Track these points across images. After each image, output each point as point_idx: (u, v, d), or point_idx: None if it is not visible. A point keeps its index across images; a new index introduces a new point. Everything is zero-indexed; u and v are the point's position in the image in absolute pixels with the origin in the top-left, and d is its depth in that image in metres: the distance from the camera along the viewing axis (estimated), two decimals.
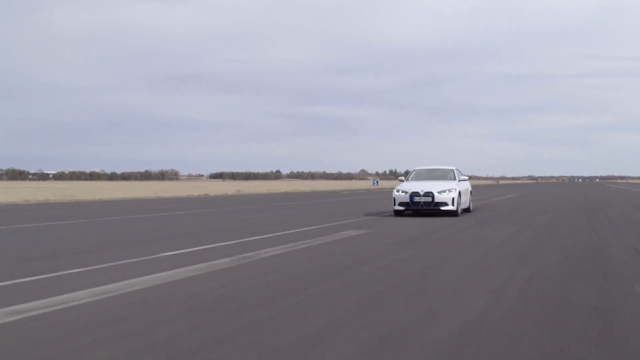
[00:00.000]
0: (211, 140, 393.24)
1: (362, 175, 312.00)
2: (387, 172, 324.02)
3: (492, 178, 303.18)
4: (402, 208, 19.02)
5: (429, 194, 18.64)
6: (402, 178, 21.39)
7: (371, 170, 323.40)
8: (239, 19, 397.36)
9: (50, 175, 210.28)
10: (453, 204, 18.59)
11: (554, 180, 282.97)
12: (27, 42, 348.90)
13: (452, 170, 20.93)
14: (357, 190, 62.23)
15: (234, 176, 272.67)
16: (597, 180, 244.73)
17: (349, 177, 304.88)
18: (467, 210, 20.85)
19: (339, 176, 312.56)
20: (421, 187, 19.04)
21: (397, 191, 19.25)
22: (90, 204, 30.42)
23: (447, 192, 18.75)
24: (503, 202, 31.17)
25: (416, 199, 18.70)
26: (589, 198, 35.67)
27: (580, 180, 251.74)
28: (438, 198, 18.58)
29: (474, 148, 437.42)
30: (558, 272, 7.83)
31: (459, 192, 19.18)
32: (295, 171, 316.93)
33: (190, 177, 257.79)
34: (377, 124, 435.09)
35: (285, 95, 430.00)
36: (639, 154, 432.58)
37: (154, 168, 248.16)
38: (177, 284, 7.00)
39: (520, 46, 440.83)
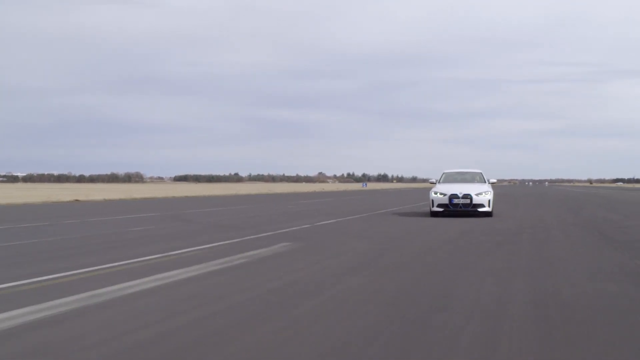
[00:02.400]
0: (169, 143, 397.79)
1: (322, 178, 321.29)
2: (345, 175, 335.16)
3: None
4: (440, 209, 19.58)
5: (467, 196, 19.28)
6: (434, 181, 21.87)
7: (329, 173, 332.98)
8: (199, 22, 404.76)
9: (20, 177, 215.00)
10: (489, 206, 19.42)
11: (505, 183, 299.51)
12: None
13: (480, 173, 21.91)
14: (364, 190, 74.62)
15: (197, 179, 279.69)
16: (547, 183, 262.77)
17: (307, 180, 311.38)
18: None
19: (298, 179, 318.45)
20: (459, 189, 19.62)
21: (435, 193, 19.84)
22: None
23: (484, 194, 19.50)
24: (501, 194, 54.09)
25: (455, 200, 19.26)
26: (541, 194, 54.93)
27: (530, 183, 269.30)
28: (476, 200, 19.28)
29: (429, 152, 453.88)
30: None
31: (492, 194, 20.16)
32: (253, 174, 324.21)
33: (152, 180, 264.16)
34: (334, 128, 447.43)
35: (244, 98, 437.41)
36: (586, 158, 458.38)
37: (115, 170, 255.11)
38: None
39: (475, 52, 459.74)
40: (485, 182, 21.03)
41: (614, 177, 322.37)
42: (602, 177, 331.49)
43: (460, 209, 19.30)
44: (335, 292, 6.35)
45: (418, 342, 4.29)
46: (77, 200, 34.80)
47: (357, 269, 7.98)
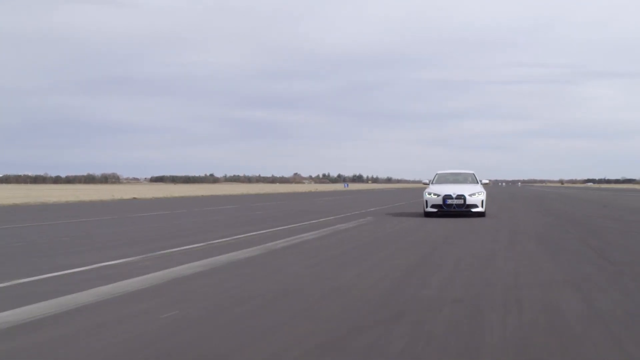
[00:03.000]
0: (142, 143, 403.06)
1: (297, 179, 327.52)
2: (321, 176, 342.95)
3: (420, 182, 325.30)
4: (434, 210, 20.34)
5: (460, 196, 19.96)
6: (427, 182, 22.65)
7: (304, 174, 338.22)
8: (173, 22, 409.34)
9: None
10: (482, 206, 20.15)
11: None
12: None
13: (472, 174, 22.62)
14: (352, 190, 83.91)
15: (174, 180, 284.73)
16: (519, 184, 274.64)
17: (283, 180, 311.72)
18: None
19: (274, 180, 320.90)
20: (452, 190, 20.31)
21: (429, 194, 20.56)
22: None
23: (477, 195, 20.19)
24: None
25: (449, 201, 19.97)
26: (513, 193, 62.27)
27: (503, 184, 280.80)
28: (469, 200, 19.97)
29: (403, 153, 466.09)
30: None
31: (485, 195, 20.69)
32: (228, 175, 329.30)
33: (128, 181, 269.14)
34: (309, 128, 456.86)
35: (218, 99, 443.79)
36: (559, 159, 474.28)
37: (89, 171, 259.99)
38: None
39: (449, 53, 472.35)
40: (477, 182, 21.90)
41: (586, 177, 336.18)
42: (574, 177, 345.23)
43: (453, 210, 20.08)
44: (426, 230, 15.36)
45: (466, 239, 13.24)
46: (135, 198, 43.21)
47: (426, 224, 17.08)
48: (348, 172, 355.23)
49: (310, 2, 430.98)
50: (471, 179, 22.21)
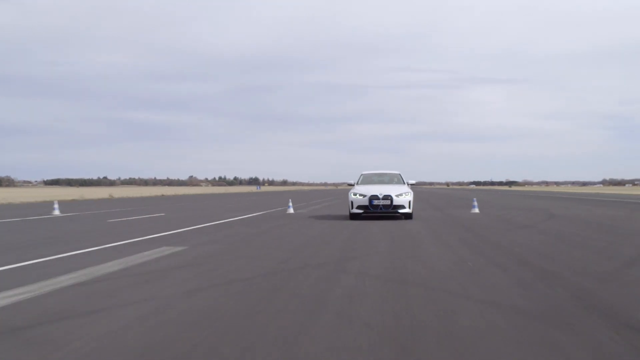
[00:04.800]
0: (30, 145, 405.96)
1: (194, 181, 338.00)
2: (217, 178, 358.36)
3: (315, 184, 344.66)
4: (360, 211, 20.26)
5: (387, 197, 19.98)
6: (352, 182, 22.16)
7: (200, 177, 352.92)
8: (58, 21, 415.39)
9: None
10: (409, 207, 20.13)
11: None
12: None
13: (399, 174, 22.86)
14: (273, 192, 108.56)
15: (70, 183, 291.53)
16: None
17: (180, 183, 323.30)
18: None
19: (170, 182, 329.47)
20: (379, 190, 20.30)
21: (355, 195, 20.39)
22: None
23: (404, 195, 20.20)
24: None
25: (375, 202, 19.96)
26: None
27: None
28: (396, 201, 19.99)
29: (297, 155, 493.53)
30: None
31: (412, 195, 20.77)
32: (122, 177, 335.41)
33: (21, 184, 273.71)
34: (202, 130, 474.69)
35: (107, 100, 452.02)
36: (446, 161, 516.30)
37: None
38: None
39: (340, 58, 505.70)
40: (404, 183, 21.92)
41: (472, 179, 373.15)
42: (461, 180, 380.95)
43: (380, 211, 20.13)
44: None
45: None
46: (163, 195, 66.57)
47: None
48: (243, 175, 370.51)
49: (202, 4, 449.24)
50: (397, 180, 22.48)
